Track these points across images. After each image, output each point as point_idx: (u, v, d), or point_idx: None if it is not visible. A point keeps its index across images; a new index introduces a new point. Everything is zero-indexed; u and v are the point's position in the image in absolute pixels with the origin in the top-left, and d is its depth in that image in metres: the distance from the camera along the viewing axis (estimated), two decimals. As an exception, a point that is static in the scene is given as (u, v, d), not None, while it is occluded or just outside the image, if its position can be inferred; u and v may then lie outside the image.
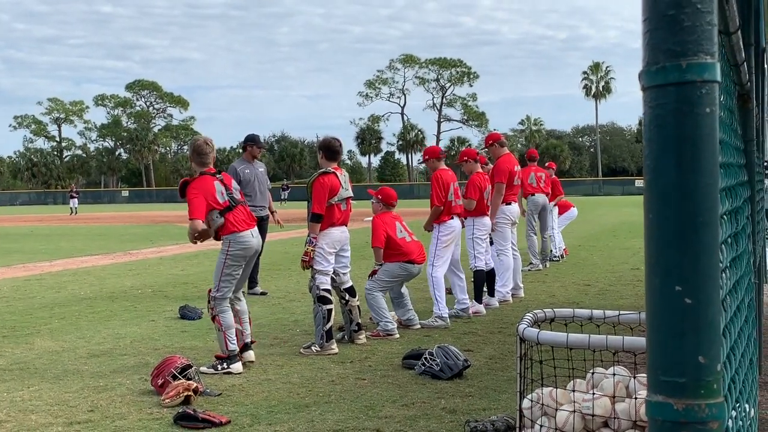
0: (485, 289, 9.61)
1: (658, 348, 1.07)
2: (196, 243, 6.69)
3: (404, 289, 8.26)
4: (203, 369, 6.24)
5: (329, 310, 7.01)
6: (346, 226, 7.39)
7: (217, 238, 6.54)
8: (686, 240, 1.05)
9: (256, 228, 6.67)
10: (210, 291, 6.53)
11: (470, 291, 9.16)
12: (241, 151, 10.85)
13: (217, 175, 6.55)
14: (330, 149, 7.30)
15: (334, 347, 7.00)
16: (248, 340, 6.60)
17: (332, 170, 7.22)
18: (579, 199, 41.04)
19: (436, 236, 8.60)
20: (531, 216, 13.73)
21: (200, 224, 6.31)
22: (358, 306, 7.52)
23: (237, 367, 6.30)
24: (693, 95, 1.05)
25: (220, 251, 6.54)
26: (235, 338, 6.37)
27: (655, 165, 1.07)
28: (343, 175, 7.32)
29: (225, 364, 6.29)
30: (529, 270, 12.82)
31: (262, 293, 10.75)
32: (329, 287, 7.12)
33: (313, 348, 6.96)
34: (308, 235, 7.12)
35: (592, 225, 24.51)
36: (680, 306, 1.05)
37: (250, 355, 6.54)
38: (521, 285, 10.44)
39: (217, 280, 6.44)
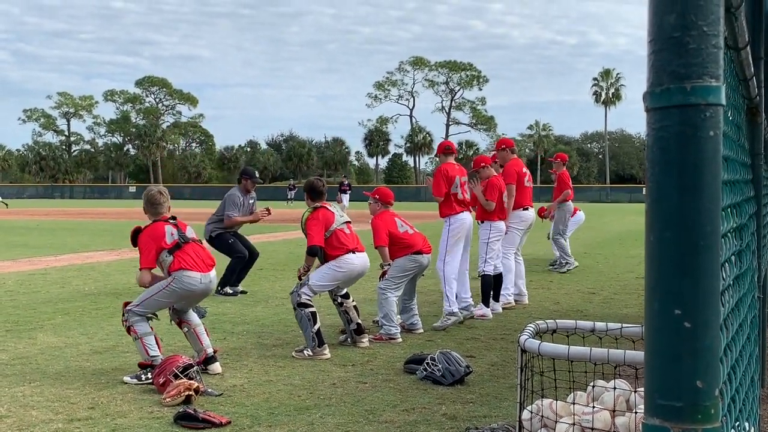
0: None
1: (655, 371, 1.07)
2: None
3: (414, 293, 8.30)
4: (126, 379, 6.02)
5: (312, 313, 7.03)
6: (364, 251, 7.45)
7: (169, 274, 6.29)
8: (686, 263, 1.04)
9: (212, 273, 6.32)
10: (126, 304, 6.27)
11: (475, 294, 9.15)
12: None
13: (170, 220, 6.43)
14: (314, 190, 7.58)
15: (327, 352, 6.98)
16: (210, 351, 6.36)
17: (321, 205, 7.43)
18: (586, 205, 40.90)
19: (447, 229, 8.64)
20: (564, 221, 14.05)
21: (147, 276, 6.27)
22: (354, 306, 7.52)
23: None
24: (697, 118, 1.04)
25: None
26: (155, 344, 6.12)
27: (656, 187, 1.06)
28: (333, 206, 7.57)
29: (150, 372, 5.97)
30: (566, 270, 13.83)
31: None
32: (310, 300, 7.14)
33: (305, 352, 6.96)
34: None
35: (598, 232, 24.44)
36: (679, 329, 1.05)
37: (216, 367, 6.32)
38: (525, 291, 10.41)
39: (143, 298, 6.20)
